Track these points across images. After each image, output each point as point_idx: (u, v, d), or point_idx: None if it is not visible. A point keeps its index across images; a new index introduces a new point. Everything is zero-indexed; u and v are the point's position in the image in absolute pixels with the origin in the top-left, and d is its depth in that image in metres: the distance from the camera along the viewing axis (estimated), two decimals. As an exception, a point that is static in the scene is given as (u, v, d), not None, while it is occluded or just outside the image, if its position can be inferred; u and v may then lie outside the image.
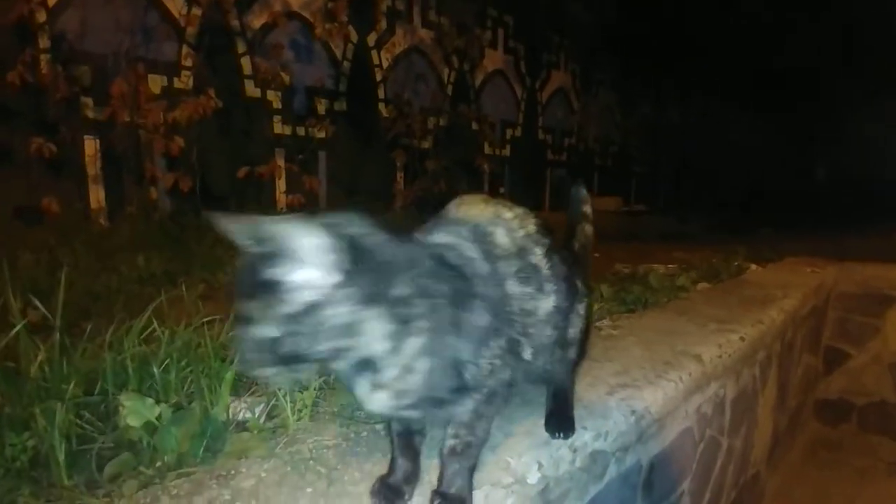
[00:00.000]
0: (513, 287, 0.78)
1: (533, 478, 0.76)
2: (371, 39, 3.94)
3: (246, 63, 3.27)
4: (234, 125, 3.12)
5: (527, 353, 0.78)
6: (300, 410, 0.93)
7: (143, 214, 2.71)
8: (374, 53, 3.97)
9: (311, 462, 0.79)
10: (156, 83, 2.86)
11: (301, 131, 3.51)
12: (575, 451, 0.83)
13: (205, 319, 1.14)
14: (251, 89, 3.32)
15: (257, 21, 3.30)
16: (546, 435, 0.86)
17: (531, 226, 0.86)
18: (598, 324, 1.52)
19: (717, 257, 2.77)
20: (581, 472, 0.81)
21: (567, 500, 0.77)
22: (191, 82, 3.00)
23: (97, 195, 2.76)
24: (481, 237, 0.79)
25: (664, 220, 5.67)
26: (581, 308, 0.91)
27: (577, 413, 0.90)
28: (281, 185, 3.31)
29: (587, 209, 1.10)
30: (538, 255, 0.83)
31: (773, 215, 5.19)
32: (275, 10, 3.29)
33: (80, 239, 2.40)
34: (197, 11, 2.98)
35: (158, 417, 0.82)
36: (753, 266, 2.72)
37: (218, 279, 2.29)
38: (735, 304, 1.82)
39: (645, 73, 6.52)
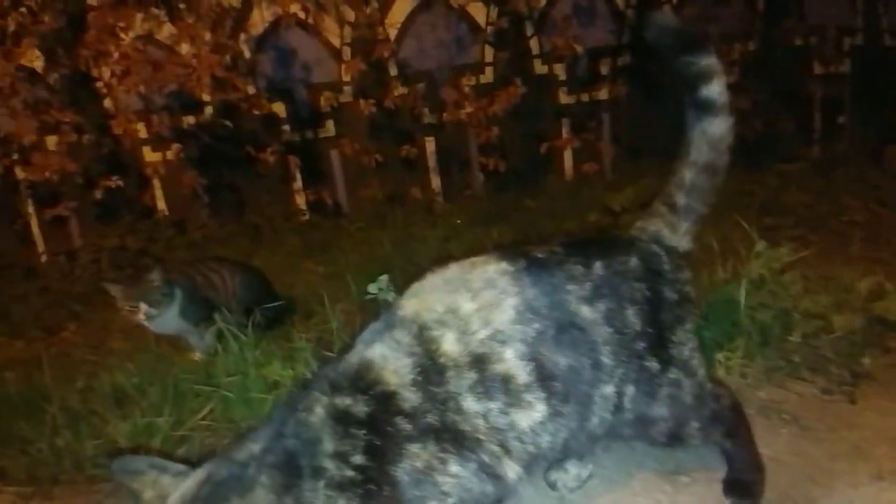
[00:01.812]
0: (470, 405, 0.80)
1: None
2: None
3: (533, 44, 3.62)
4: (527, 105, 3.54)
5: (511, 470, 0.83)
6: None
7: (470, 195, 3.51)
8: (661, -10, 3.75)
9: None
10: (467, 82, 3.50)
11: (584, 97, 3.74)
12: None
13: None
14: (538, 67, 3.68)
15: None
16: None
17: (503, 313, 0.82)
18: None
19: None
20: None
21: None
22: (492, 76, 3.55)
23: (435, 182, 3.66)
24: (424, 344, 0.81)
25: None
26: (676, 373, 0.92)
27: None
28: (567, 155, 3.68)
29: (714, 85, 0.95)
30: (509, 360, 0.82)
31: None
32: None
33: (427, 218, 3.30)
34: (494, 12, 3.44)
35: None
36: None
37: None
38: None
39: None
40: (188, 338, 2.02)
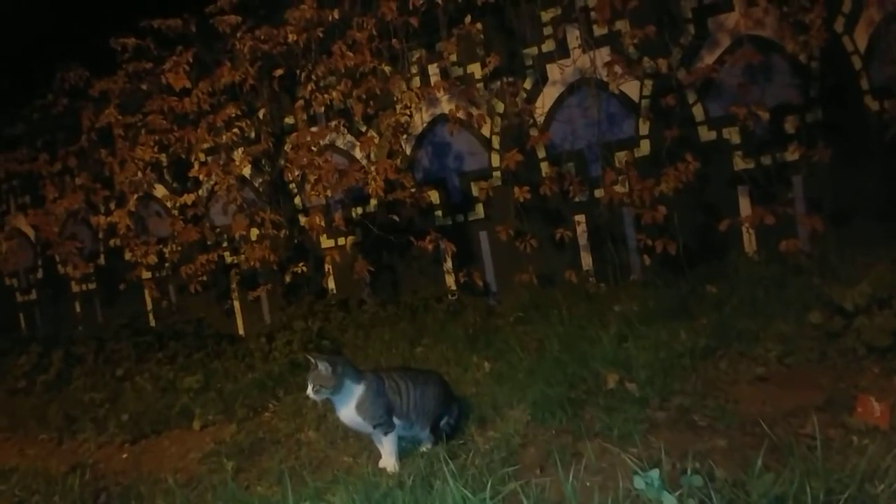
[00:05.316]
0: None
1: None
2: (839, 24, 3.18)
3: (696, 110, 3.31)
4: (695, 175, 3.15)
5: None
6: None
7: (633, 280, 3.16)
8: (845, 39, 3.18)
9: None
10: (619, 158, 3.31)
11: (766, 160, 3.22)
12: None
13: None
14: (704, 133, 3.33)
15: (705, 65, 3.27)
16: None
17: None
18: None
19: None
20: None
21: None
22: (648, 149, 3.31)
23: (586, 261, 3.43)
24: None
25: None
26: None
27: None
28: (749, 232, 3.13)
29: None
30: None
31: None
32: (724, 45, 3.20)
33: (591, 308, 2.96)
34: (649, 83, 3.28)
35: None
36: None
37: (758, 352, 2.27)
38: None
39: None
40: (375, 441, 2.06)
